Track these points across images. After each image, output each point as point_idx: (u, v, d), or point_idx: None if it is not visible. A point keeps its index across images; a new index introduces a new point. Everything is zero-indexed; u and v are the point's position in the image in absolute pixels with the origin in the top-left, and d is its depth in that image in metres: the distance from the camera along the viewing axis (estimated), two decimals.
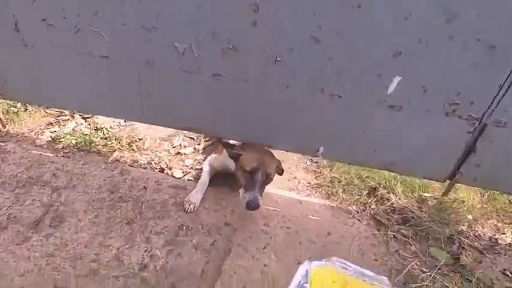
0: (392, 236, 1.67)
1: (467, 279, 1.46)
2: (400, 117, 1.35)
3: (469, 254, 1.60)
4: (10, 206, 1.51)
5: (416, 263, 1.52)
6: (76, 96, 1.63)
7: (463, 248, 1.65)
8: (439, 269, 1.49)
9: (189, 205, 1.63)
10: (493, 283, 1.47)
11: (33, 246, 1.34)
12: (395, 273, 1.48)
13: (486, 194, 2.08)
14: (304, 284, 0.96)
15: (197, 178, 1.96)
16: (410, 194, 1.88)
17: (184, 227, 1.55)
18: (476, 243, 1.70)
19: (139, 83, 1.50)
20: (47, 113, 2.31)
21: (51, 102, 1.77)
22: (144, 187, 1.74)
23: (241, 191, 1.50)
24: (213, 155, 1.89)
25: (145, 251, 1.41)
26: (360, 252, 1.56)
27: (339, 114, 1.41)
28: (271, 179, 1.55)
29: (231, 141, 1.82)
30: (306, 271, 0.99)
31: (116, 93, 1.57)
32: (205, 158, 1.99)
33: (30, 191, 1.60)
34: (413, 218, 1.76)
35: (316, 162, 2.23)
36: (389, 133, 1.42)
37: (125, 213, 1.57)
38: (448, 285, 1.41)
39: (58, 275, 1.26)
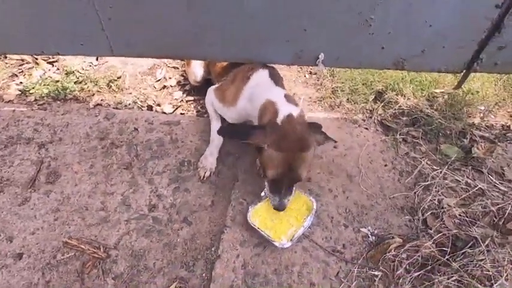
0: (401, 140, 1.61)
1: (479, 170, 1.45)
2: None
3: (480, 146, 1.56)
4: None
5: (426, 163, 1.48)
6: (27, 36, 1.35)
7: (475, 140, 1.60)
8: (450, 164, 1.47)
9: (204, 172, 1.42)
10: (503, 170, 1.46)
11: (35, 205, 1.30)
12: (406, 175, 1.46)
13: (501, 81, 1.93)
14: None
15: (191, 111, 1.82)
16: (420, 93, 1.74)
17: (186, 163, 1.48)
18: (487, 134, 1.64)
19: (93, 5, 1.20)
20: (6, 63, 2.03)
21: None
22: (135, 128, 1.62)
23: (265, 187, 1.24)
24: (224, 106, 1.47)
25: (151, 192, 1.37)
26: (369, 160, 1.52)
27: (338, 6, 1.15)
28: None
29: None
30: None
31: (72, 24, 1.29)
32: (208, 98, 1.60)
33: (15, 151, 1.49)
34: (423, 118, 1.66)
35: (316, 74, 2.03)
36: (406, 18, 1.18)
37: (121, 158, 1.49)
38: (459, 179, 1.40)
39: (69, 227, 1.25)
